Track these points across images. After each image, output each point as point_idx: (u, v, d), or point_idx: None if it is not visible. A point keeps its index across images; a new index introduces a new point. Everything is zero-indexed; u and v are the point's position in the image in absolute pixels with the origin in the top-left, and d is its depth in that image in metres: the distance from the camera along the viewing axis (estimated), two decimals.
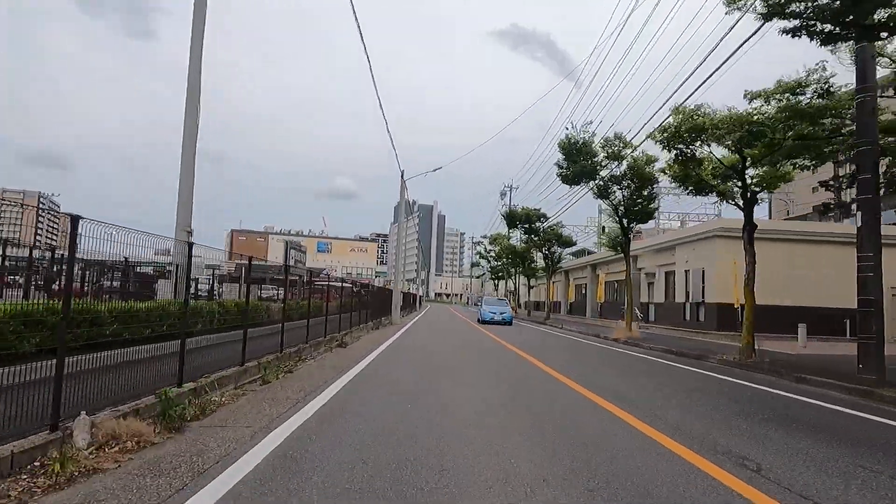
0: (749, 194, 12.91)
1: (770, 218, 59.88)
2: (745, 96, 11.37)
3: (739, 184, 13.25)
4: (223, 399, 5.72)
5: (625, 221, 20.70)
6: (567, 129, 20.00)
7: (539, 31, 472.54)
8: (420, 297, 70.83)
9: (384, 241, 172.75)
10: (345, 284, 19.08)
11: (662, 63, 22.80)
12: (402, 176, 26.18)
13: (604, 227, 44.76)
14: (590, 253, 47.24)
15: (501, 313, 27.72)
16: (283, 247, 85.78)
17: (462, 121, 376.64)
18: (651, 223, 32.29)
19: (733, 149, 11.43)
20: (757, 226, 13.19)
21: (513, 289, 50.86)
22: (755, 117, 10.92)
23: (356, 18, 12.39)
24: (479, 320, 27.32)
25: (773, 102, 11.02)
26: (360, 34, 13.17)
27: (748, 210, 13.03)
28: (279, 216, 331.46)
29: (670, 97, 16.44)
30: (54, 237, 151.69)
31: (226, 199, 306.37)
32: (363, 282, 45.47)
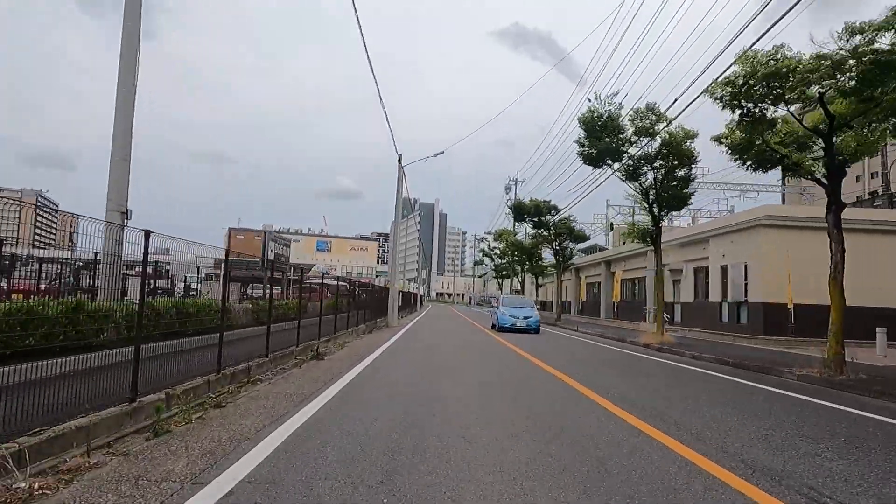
0: (836, 164, 10.21)
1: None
2: (844, 30, 8.66)
3: (819, 152, 10.58)
4: (36, 485, 3.07)
5: (655, 209, 17.99)
6: (589, 100, 17.35)
7: (541, 29, 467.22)
8: (421, 296, 68.27)
9: (385, 240, 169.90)
10: (328, 282, 16.46)
11: (680, 49, 20.13)
12: (399, 161, 23.53)
13: (611, 224, 41.67)
14: (601, 249, 44.52)
15: (526, 318, 20.62)
16: (264, 238, 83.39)
17: (463, 121, 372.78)
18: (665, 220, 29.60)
19: (851, 90, 8.62)
20: (846, 205, 10.50)
21: (519, 288, 47.94)
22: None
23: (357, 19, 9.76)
24: (493, 326, 21.43)
25: (887, 37, 8.31)
26: (359, 24, 10.62)
27: (834, 185, 10.34)
28: (280, 216, 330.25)
29: (696, 79, 13.71)
30: (51, 235, 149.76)
31: (225, 200, 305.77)
32: (363, 281, 43.01)
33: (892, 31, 8.24)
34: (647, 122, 16.58)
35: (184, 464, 3.57)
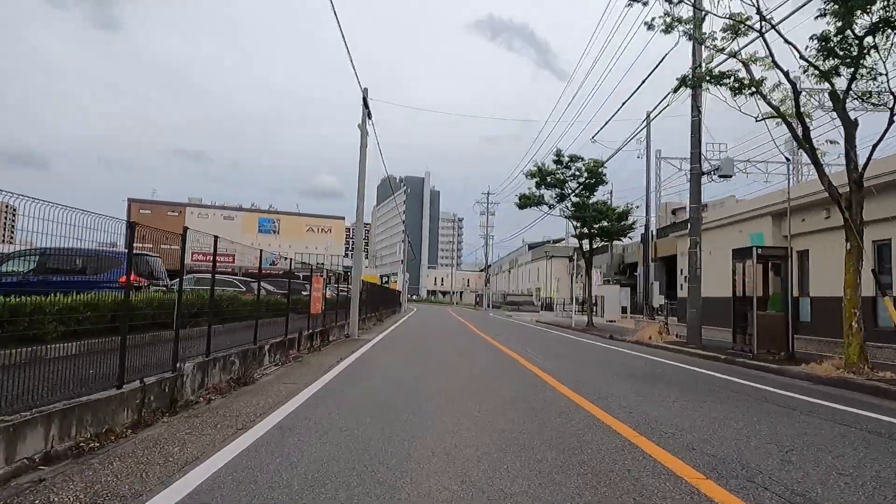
0: None
1: None
2: None
3: None
4: None
5: None
6: None
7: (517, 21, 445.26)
8: (400, 293, 49.08)
9: (368, 230, 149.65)
10: None
11: None
12: None
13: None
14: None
15: None
16: (198, 221, 64.03)
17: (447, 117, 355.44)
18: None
19: None
20: None
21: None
22: None
23: None
24: None
25: None
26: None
27: None
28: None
29: None
30: None
31: (208, 198, 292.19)
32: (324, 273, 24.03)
33: None
34: None
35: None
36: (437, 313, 45.48)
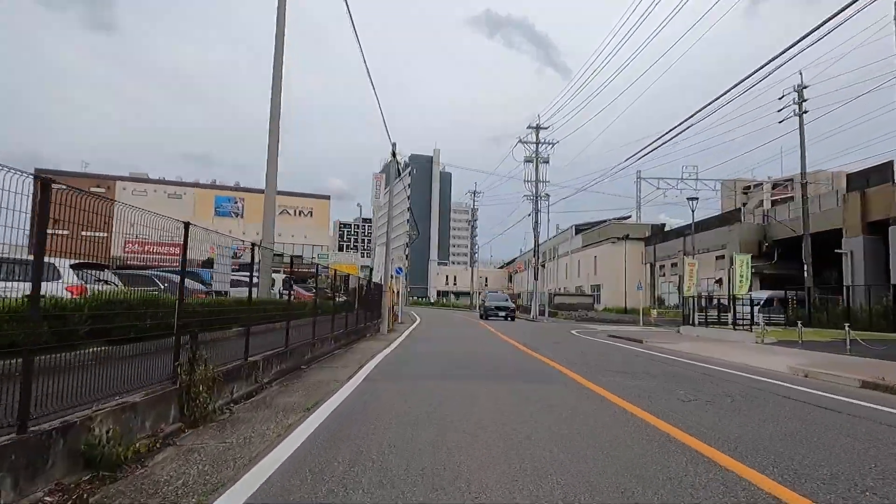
0: None
1: None
2: None
3: None
4: None
5: None
6: None
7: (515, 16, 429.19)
8: (388, 290, 33.05)
9: (369, 227, 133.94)
10: None
11: None
12: None
13: None
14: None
15: None
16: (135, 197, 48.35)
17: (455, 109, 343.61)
18: None
19: None
20: None
21: None
22: None
23: None
24: None
25: None
26: None
27: None
28: None
29: None
30: None
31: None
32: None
33: None
34: None
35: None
36: (462, 340, 18.21)
